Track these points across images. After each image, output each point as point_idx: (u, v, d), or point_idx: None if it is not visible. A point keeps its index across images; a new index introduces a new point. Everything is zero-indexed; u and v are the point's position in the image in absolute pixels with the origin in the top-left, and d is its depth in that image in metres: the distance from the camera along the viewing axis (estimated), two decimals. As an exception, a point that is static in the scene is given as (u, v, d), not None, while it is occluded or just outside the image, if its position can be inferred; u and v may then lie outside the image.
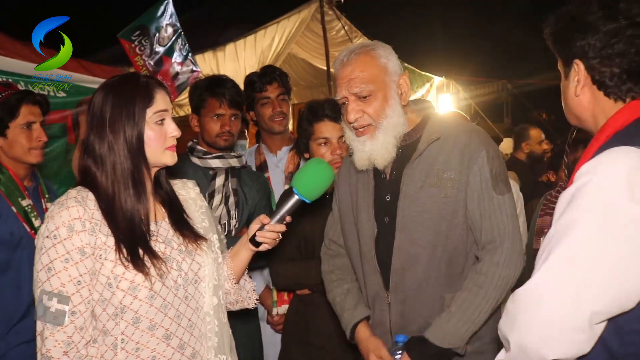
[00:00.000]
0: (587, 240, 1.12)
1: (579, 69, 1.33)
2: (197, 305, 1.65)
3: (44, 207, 2.60)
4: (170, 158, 1.64)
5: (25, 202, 2.49)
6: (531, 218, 2.81)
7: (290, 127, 5.33)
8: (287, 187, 2.89)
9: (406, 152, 1.87)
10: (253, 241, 1.75)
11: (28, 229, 2.47)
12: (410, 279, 1.85)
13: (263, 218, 1.74)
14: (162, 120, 1.61)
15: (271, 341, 2.79)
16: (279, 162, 3.03)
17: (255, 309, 2.63)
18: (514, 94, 15.41)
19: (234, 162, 2.67)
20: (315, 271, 2.37)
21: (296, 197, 1.73)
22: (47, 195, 2.66)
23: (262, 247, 1.76)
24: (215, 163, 2.63)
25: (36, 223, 2.51)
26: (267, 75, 2.98)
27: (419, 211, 1.82)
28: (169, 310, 1.57)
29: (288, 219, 1.75)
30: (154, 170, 1.67)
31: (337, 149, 2.35)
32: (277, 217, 1.73)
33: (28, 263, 2.43)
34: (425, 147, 1.83)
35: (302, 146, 2.49)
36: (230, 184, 2.63)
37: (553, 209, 2.67)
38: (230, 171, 2.66)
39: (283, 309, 2.69)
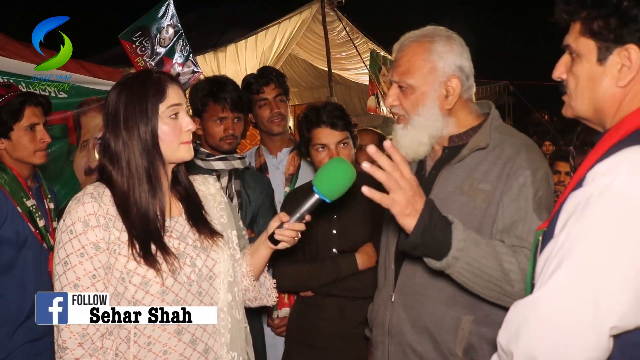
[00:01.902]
0: (608, 250, 1.03)
1: (630, 55, 1.15)
2: (212, 301, 1.66)
3: (46, 207, 2.63)
4: (187, 153, 1.65)
5: (29, 203, 2.51)
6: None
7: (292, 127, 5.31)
8: (287, 189, 2.89)
9: (451, 154, 1.79)
10: (272, 239, 1.73)
11: (33, 229, 2.49)
12: (419, 285, 1.76)
13: (282, 216, 1.72)
14: (176, 114, 1.62)
15: (272, 344, 2.77)
16: (279, 163, 3.02)
17: (259, 311, 2.63)
18: (516, 95, 15.41)
19: (237, 164, 2.66)
20: (319, 273, 2.36)
21: (316, 196, 1.70)
22: (49, 196, 2.68)
23: (281, 246, 1.74)
24: (218, 165, 2.63)
25: (40, 223, 2.53)
26: (264, 76, 2.95)
27: None
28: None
29: (308, 217, 1.72)
30: (170, 167, 1.67)
31: (335, 155, 2.32)
32: (297, 215, 1.71)
33: (32, 263, 2.47)
34: (468, 154, 1.73)
35: (303, 150, 2.48)
36: (233, 186, 2.62)
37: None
38: (233, 173, 2.65)
39: (284, 312, 2.68)
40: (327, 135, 2.34)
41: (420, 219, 1.43)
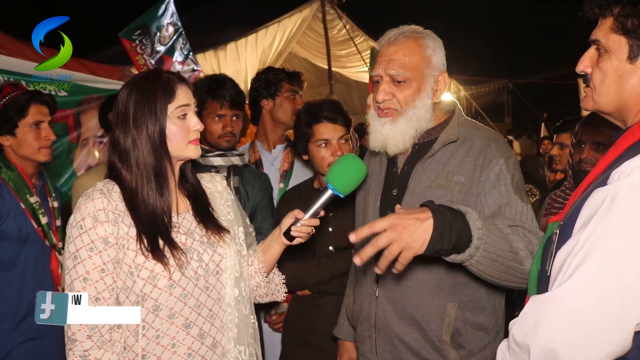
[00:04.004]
0: (635, 247, 1.03)
1: None
2: (219, 295, 1.69)
3: (50, 205, 2.64)
4: (194, 151, 1.69)
5: (33, 199, 2.53)
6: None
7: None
8: (282, 185, 2.91)
9: (422, 149, 1.85)
10: (287, 235, 1.77)
11: (35, 226, 2.51)
12: (403, 278, 1.81)
13: (297, 213, 1.76)
14: (184, 114, 1.66)
15: (270, 341, 2.78)
16: (274, 160, 3.04)
17: (257, 308, 2.64)
18: (515, 93, 15.42)
19: (236, 160, 2.67)
20: (315, 270, 2.37)
21: (330, 192, 1.74)
22: (53, 194, 2.69)
23: (296, 241, 1.79)
24: (217, 161, 2.64)
25: (43, 220, 2.54)
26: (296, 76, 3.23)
27: None
28: (188, 300, 1.61)
29: (321, 213, 1.76)
30: (178, 164, 1.72)
31: (337, 150, 2.34)
32: (312, 211, 1.75)
33: (33, 260, 2.49)
34: (439, 148, 1.81)
35: (300, 148, 2.47)
36: (232, 182, 2.63)
37: (557, 208, 2.62)
38: (232, 169, 2.66)
39: (282, 308, 2.70)
40: (329, 131, 2.35)
41: (434, 227, 1.42)
